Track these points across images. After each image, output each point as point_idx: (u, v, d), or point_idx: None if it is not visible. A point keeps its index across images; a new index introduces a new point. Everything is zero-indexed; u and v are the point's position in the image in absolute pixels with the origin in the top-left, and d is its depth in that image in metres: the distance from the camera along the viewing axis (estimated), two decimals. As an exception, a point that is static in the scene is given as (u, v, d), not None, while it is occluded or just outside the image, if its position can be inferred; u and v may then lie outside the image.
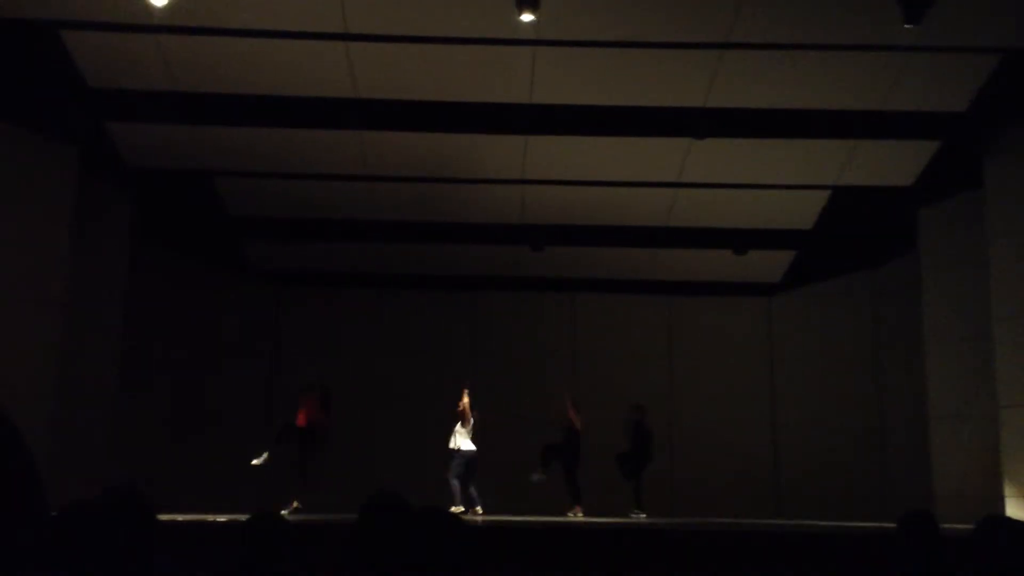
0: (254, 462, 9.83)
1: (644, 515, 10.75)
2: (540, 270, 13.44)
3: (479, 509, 10.18)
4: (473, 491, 10.27)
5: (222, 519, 8.66)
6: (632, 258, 13.22)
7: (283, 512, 9.09)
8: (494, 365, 13.52)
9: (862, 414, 12.76)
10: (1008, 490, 9.31)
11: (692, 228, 12.27)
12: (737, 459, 13.30)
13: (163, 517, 2.31)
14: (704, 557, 6.47)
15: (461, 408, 10.46)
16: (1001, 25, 8.28)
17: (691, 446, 13.39)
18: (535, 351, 13.78)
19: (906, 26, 7.74)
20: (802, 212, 11.88)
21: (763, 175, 11.00)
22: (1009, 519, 3.04)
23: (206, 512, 9.14)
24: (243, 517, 3.00)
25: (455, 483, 10.21)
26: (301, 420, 10.18)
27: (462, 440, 10.43)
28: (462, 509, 9.83)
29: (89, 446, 9.88)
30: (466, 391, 10.60)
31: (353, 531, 2.24)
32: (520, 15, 7.84)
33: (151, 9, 8.00)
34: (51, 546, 1.80)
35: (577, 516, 10.65)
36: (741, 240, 12.54)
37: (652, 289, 13.86)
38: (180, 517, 8.11)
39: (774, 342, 13.93)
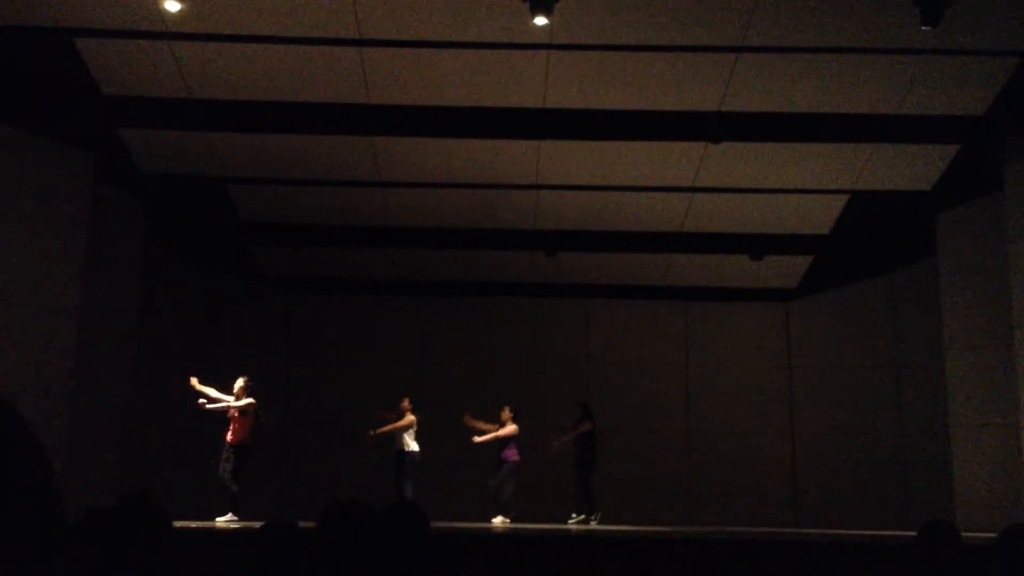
0: None
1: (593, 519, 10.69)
2: (553, 276, 13.36)
3: None
4: (409, 491, 10.20)
5: (234, 526, 8.64)
6: (647, 264, 13.14)
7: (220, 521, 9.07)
8: (506, 372, 13.44)
9: (881, 421, 12.62)
10: (1030, 498, 9.20)
11: (708, 233, 12.19)
12: (755, 467, 13.17)
13: (176, 524, 2.28)
14: (721, 566, 6.39)
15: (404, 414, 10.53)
16: (1020, 27, 8.18)
17: (708, 454, 13.28)
18: (548, 358, 13.68)
19: (923, 28, 7.65)
20: (819, 217, 11.78)
21: (780, 179, 10.91)
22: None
23: (217, 519, 9.12)
24: (256, 524, 2.96)
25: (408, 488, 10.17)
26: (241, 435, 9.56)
27: (411, 442, 10.45)
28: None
29: (103, 452, 9.87)
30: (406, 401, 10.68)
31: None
32: (533, 19, 7.79)
33: (164, 16, 8.01)
34: (69, 553, 1.77)
35: (505, 523, 10.37)
36: (757, 245, 12.44)
37: (667, 295, 13.76)
38: (193, 524, 8.10)
39: (791, 348, 13.81)
